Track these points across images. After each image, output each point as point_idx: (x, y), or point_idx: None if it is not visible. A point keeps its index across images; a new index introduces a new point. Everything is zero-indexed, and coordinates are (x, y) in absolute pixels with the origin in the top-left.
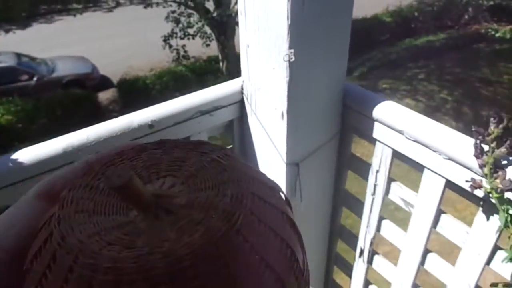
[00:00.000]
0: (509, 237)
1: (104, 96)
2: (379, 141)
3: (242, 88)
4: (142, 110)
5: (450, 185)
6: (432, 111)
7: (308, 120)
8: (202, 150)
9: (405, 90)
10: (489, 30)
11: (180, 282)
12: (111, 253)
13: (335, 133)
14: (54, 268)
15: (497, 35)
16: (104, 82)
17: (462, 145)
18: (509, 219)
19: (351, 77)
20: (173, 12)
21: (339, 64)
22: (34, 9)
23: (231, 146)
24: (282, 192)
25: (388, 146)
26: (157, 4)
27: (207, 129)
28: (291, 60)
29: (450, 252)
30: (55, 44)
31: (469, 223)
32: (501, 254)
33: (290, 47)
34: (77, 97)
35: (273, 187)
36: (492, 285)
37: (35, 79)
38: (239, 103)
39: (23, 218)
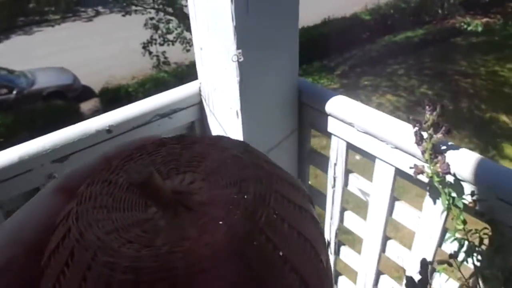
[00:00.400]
0: (452, 219)
1: (86, 106)
2: (334, 135)
3: (200, 90)
4: (99, 116)
5: (400, 173)
6: (413, 105)
7: (264, 118)
8: (222, 145)
9: (386, 86)
10: (462, 24)
11: (201, 283)
12: (130, 251)
13: (294, 130)
14: (72, 266)
15: (469, 28)
16: (86, 92)
17: (406, 134)
18: (451, 201)
19: (333, 76)
20: (152, 18)
21: (291, 62)
22: (12, 21)
23: None
24: (305, 190)
25: (342, 139)
26: (136, 11)
27: (167, 132)
28: (240, 60)
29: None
30: (34, 56)
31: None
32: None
33: (238, 48)
34: (58, 109)
35: (296, 185)
36: (439, 262)
37: (14, 92)
38: (198, 105)
39: (40, 213)
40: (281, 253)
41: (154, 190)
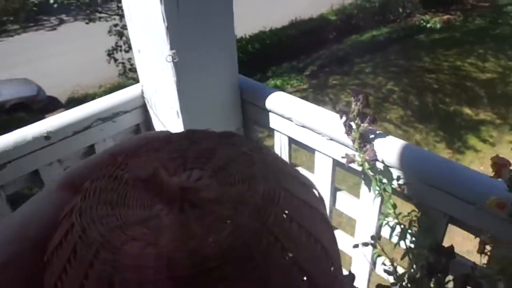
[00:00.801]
0: (382, 204)
1: None
2: (276, 130)
3: (142, 92)
4: (37, 122)
5: (338, 163)
6: (381, 101)
7: (206, 117)
8: (232, 142)
9: (354, 84)
10: (422, 21)
11: (206, 283)
12: (133, 250)
13: (238, 127)
14: (74, 263)
15: (428, 25)
16: (52, 103)
17: (339, 125)
18: (382, 187)
19: (302, 76)
20: (116, 25)
21: (229, 61)
22: None
23: None
24: (316, 189)
25: (284, 134)
26: (100, 18)
27: (112, 136)
28: (175, 60)
29: None
30: None
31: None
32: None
33: (171, 48)
34: (22, 121)
35: (306, 183)
36: (364, 244)
37: None
38: (142, 108)
39: (45, 209)
40: (290, 254)
41: (160, 186)
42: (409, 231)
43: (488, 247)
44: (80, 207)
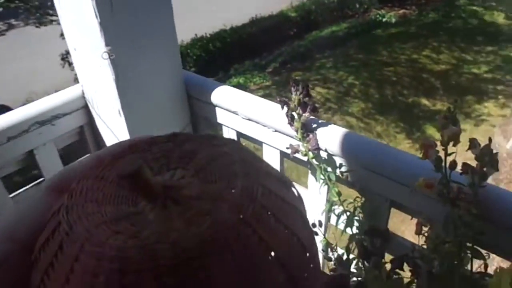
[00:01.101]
0: (329, 192)
1: None
2: (224, 125)
3: (83, 93)
4: None
5: (286, 155)
6: (342, 95)
7: (152, 114)
8: (213, 143)
9: (316, 80)
10: (378, 16)
11: (187, 272)
12: (117, 242)
13: (187, 124)
14: (60, 258)
15: (384, 19)
16: (2, 112)
17: (282, 116)
18: (326, 176)
19: (264, 73)
20: None
21: (171, 56)
22: None
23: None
24: (294, 187)
25: (232, 128)
26: (52, 21)
27: (53, 140)
28: (112, 57)
29: None
30: None
31: None
32: (336, 211)
33: (107, 45)
34: None
35: (285, 182)
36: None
37: None
38: (84, 109)
39: (34, 210)
40: (267, 246)
41: (144, 183)
42: (356, 218)
43: (425, 228)
44: (67, 205)
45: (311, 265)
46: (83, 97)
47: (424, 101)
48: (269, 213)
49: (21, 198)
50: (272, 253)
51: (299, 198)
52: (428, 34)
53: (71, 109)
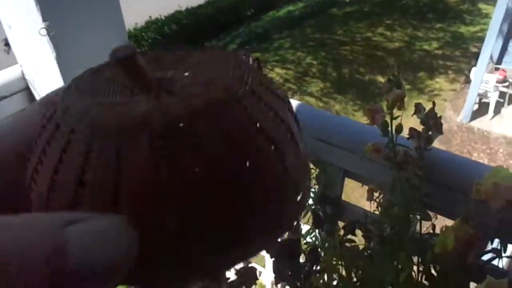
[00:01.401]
0: None
1: None
2: None
3: (23, 74)
4: None
5: None
6: (301, 76)
7: None
8: (204, 48)
9: (275, 61)
10: None
11: (177, 139)
12: (112, 116)
13: None
14: (57, 134)
15: None
16: None
17: None
18: None
19: None
20: None
21: (117, 32)
22: None
23: None
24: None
25: None
26: None
27: None
28: (51, 33)
29: None
30: None
31: None
32: None
33: (44, 20)
34: None
35: (280, 93)
36: None
37: None
38: (26, 91)
39: (28, 120)
40: (256, 123)
41: (137, 71)
42: (312, 190)
43: (376, 194)
44: (62, 96)
45: (297, 145)
46: (23, 78)
47: (380, 79)
48: (260, 98)
49: None
50: (262, 129)
51: (291, 110)
52: (381, 12)
53: (9, 91)
